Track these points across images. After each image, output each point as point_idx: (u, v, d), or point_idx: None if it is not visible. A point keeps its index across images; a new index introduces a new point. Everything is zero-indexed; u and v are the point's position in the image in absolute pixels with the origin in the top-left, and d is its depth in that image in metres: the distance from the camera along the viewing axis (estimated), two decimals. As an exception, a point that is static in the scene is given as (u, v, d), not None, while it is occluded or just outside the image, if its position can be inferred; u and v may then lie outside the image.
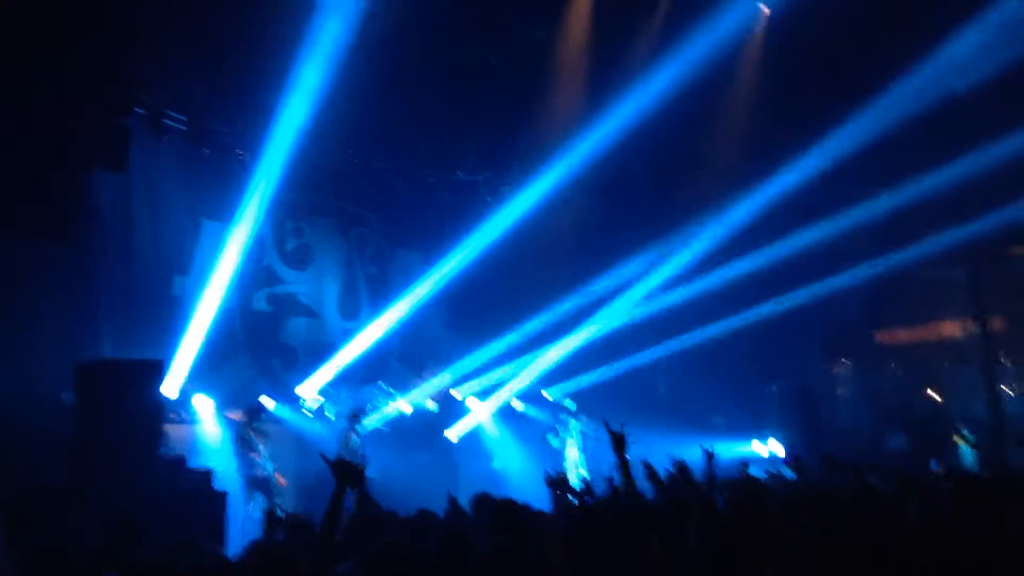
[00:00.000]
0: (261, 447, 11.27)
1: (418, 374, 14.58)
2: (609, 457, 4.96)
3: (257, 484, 10.99)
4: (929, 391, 15.99)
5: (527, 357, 14.83)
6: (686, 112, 12.70)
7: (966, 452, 13.46)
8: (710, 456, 5.25)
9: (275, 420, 12.69)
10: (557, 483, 5.82)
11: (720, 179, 13.91)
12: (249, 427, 11.43)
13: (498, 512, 4.14)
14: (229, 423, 12.43)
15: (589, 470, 13.48)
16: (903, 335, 16.87)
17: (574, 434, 13.68)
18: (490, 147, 14.47)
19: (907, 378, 16.44)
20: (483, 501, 5.37)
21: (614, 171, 14.14)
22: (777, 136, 13.03)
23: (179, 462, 9.22)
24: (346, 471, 4.04)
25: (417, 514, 5.24)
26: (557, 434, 13.73)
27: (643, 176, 14.91)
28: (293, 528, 5.31)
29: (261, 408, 11.96)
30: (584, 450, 13.69)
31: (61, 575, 3.85)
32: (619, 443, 4.69)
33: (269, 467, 11.18)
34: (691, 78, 11.91)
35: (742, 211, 13.65)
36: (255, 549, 3.95)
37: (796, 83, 12.85)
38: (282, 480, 11.30)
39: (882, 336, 17.07)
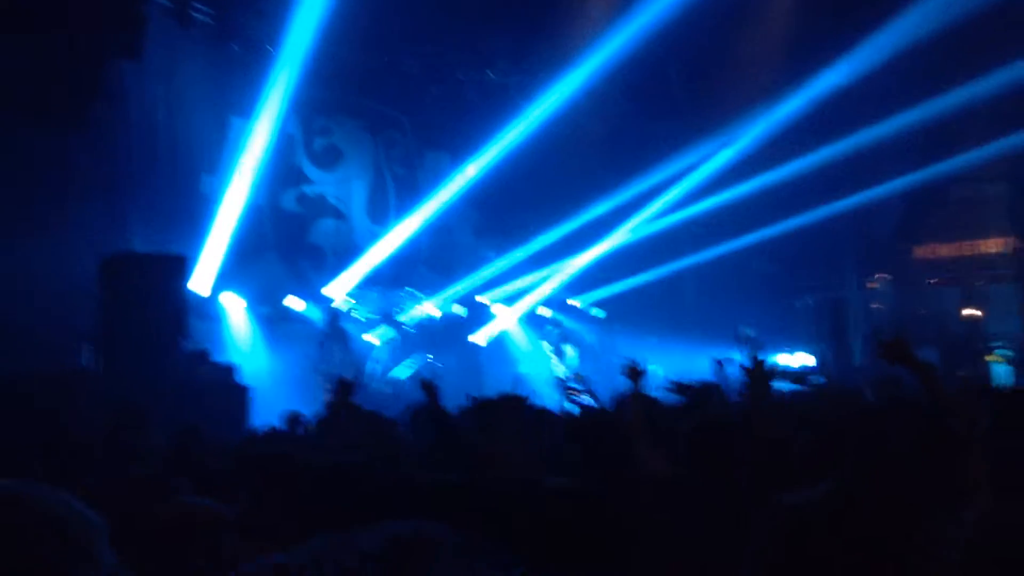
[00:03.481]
0: (337, 351, 11.66)
1: (445, 278, 14.57)
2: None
3: (331, 382, 11.38)
4: (966, 308, 15.71)
5: (556, 263, 14.75)
6: (724, 12, 12.22)
7: (1000, 370, 13.28)
8: (720, 365, 5.15)
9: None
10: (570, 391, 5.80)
11: (757, 83, 13.44)
12: (329, 334, 11.82)
13: (480, 407, 4.13)
14: (258, 320, 12.62)
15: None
16: (942, 250, 16.48)
17: (562, 343, 13.64)
18: (521, 46, 14.09)
19: (944, 294, 16.14)
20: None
21: (648, 73, 13.72)
22: (818, 38, 12.50)
23: (202, 355, 9.32)
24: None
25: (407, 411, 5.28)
26: (554, 343, 13.70)
27: (678, 79, 14.46)
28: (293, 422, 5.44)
29: (336, 313, 12.25)
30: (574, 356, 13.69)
31: (61, 456, 3.91)
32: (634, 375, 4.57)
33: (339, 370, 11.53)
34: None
35: (779, 117, 13.23)
36: (250, 437, 3.99)
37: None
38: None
39: (920, 251, 16.69)
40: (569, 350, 13.77)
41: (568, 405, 5.74)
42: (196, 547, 2.25)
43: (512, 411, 3.51)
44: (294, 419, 5.93)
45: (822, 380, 10.14)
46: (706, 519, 2.80)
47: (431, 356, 13.13)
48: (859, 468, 2.93)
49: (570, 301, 15.64)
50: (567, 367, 13.47)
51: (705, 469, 3.20)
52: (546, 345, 14.20)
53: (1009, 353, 13.62)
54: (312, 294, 13.39)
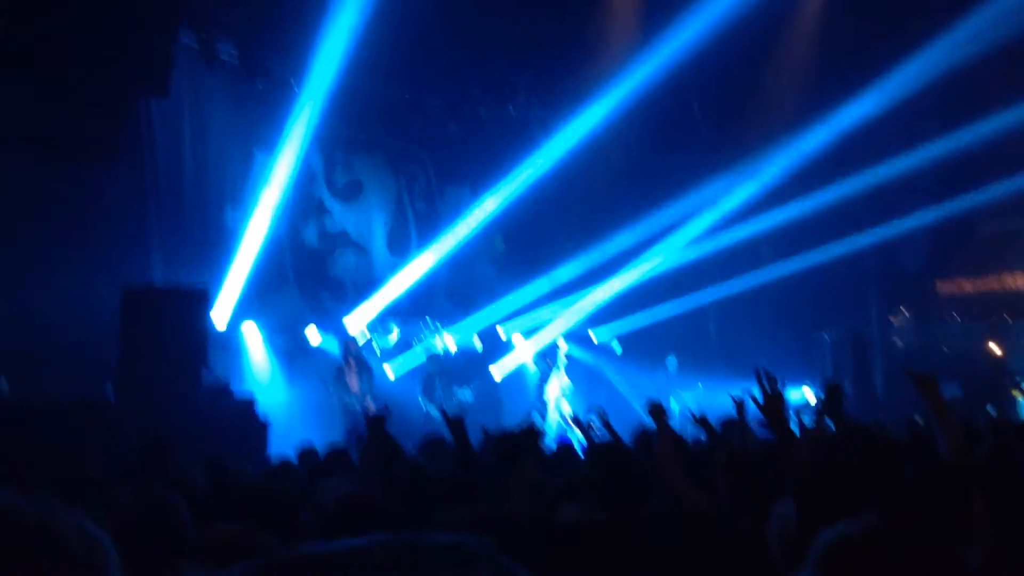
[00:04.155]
0: (355, 380, 11.51)
1: (465, 310, 14.57)
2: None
3: (349, 415, 11.20)
4: (990, 344, 15.53)
5: (575, 296, 14.72)
6: (745, 47, 12.27)
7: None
8: (740, 405, 5.09)
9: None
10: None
11: (780, 117, 13.45)
12: (340, 368, 11.71)
13: (498, 440, 4.13)
14: (277, 352, 12.65)
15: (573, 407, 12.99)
16: (967, 286, 16.33)
17: (560, 367, 13.17)
18: (542, 81, 14.20)
19: (968, 330, 15.97)
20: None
21: (669, 107, 13.79)
22: (840, 72, 12.52)
23: (223, 389, 9.33)
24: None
25: (426, 443, 5.30)
26: (548, 369, 13.23)
27: (700, 112, 14.50)
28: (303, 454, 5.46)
29: (349, 343, 12.11)
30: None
31: (74, 489, 3.92)
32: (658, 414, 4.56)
33: (359, 400, 11.34)
34: (752, 10, 11.43)
35: (802, 150, 13.20)
36: (267, 473, 3.99)
37: (861, 13, 12.29)
38: (370, 404, 11.36)
39: (944, 286, 16.53)
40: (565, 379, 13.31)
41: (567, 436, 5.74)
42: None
43: (528, 444, 3.50)
44: (307, 453, 5.92)
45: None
46: (749, 550, 2.78)
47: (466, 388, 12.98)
48: (891, 503, 2.90)
49: (589, 333, 15.57)
50: (562, 399, 13.06)
51: (744, 502, 3.19)
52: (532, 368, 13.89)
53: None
54: (332, 327, 13.42)
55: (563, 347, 14.76)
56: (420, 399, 12.42)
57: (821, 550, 1.56)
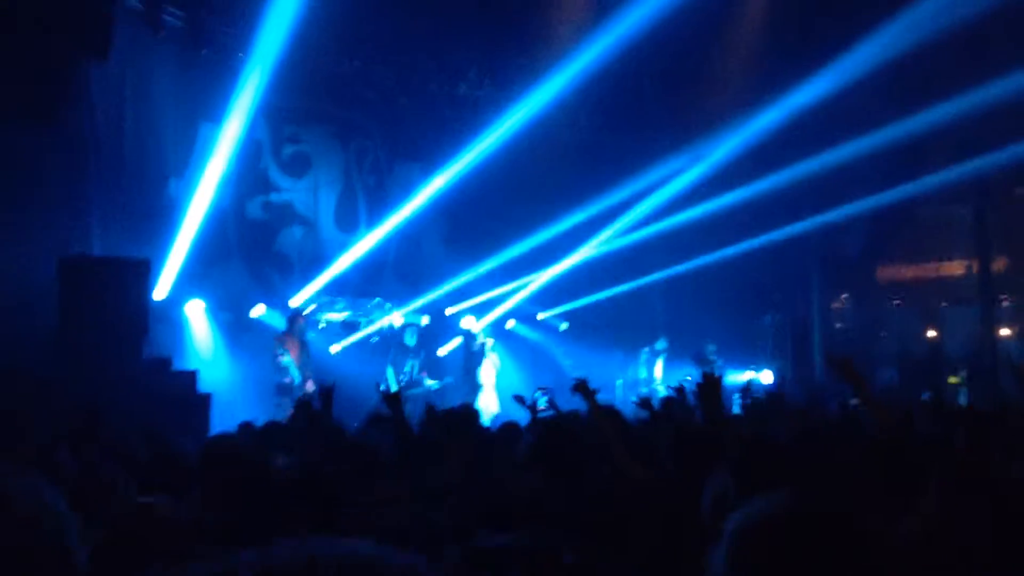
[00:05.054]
0: (290, 355, 11.32)
1: (414, 289, 14.48)
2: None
3: (283, 391, 11.05)
4: (927, 329, 15.95)
5: (524, 276, 14.74)
6: (697, 28, 12.35)
7: (959, 391, 13.52)
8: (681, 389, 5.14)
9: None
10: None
11: (728, 101, 13.57)
12: (283, 335, 11.51)
13: (447, 415, 4.14)
14: (221, 327, 12.46)
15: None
16: (905, 272, 16.72)
17: (492, 352, 13.23)
18: (494, 59, 14.14)
19: (906, 315, 16.37)
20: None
21: (620, 88, 13.83)
22: (788, 59, 12.67)
23: (164, 363, 9.19)
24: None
25: (369, 419, 5.29)
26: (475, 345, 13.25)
27: (650, 94, 14.57)
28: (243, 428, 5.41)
29: (297, 316, 11.93)
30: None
31: (17, 452, 3.84)
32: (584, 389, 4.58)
33: (297, 375, 11.20)
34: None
35: (748, 135, 13.34)
36: (207, 442, 3.95)
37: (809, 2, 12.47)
38: (310, 386, 11.22)
39: (883, 272, 16.90)
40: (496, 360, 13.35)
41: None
42: (148, 545, 2.22)
43: (466, 421, 3.52)
44: (245, 428, 5.88)
45: (763, 392, 10.34)
46: (692, 521, 2.82)
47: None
48: (811, 480, 2.97)
49: (538, 315, 15.64)
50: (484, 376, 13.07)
51: (688, 475, 3.23)
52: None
53: (963, 375, 13.88)
54: (278, 302, 13.24)
55: (510, 325, 14.84)
56: (388, 369, 12.40)
57: (734, 525, 1.55)
